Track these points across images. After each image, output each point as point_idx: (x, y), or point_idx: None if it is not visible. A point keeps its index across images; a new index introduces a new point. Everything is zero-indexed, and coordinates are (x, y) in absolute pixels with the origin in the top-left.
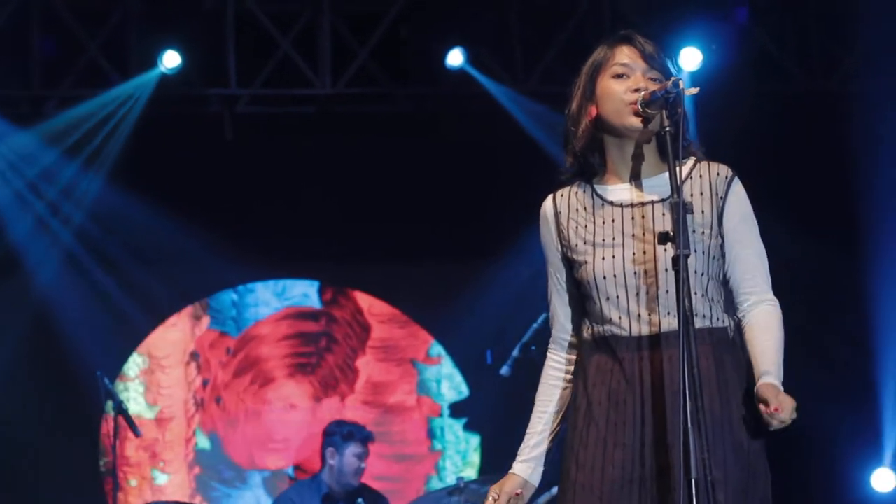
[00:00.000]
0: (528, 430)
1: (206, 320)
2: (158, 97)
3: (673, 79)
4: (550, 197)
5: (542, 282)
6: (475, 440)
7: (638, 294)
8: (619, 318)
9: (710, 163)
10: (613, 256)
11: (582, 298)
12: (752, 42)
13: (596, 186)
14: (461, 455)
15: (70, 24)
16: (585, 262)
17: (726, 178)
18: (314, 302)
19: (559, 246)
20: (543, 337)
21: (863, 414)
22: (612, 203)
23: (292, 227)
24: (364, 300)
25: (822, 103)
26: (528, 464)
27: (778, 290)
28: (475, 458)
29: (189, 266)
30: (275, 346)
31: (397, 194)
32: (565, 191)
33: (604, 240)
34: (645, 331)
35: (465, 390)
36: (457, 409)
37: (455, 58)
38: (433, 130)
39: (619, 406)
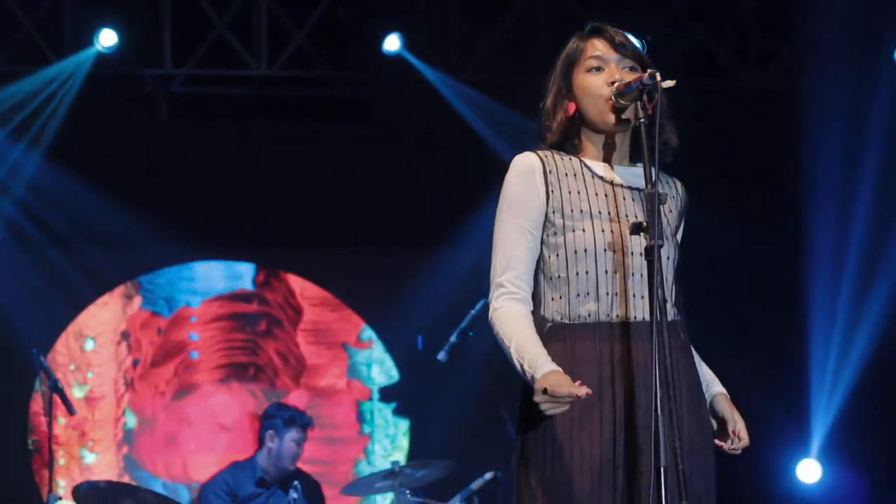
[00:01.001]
0: (523, 342)
1: (137, 300)
2: (95, 76)
3: (649, 70)
4: (533, 154)
5: (480, 269)
6: (404, 424)
7: (616, 272)
8: (596, 295)
9: (673, 178)
10: (602, 230)
11: (548, 268)
12: (688, 35)
13: (583, 159)
14: (390, 439)
15: (6, 1)
16: (575, 230)
17: (685, 196)
18: (247, 284)
19: (545, 203)
20: (482, 323)
21: (793, 405)
22: (603, 178)
23: (227, 209)
24: (296, 283)
25: (759, 98)
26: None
27: (715, 281)
28: (404, 443)
29: (124, 245)
30: (205, 328)
31: (333, 179)
32: (547, 153)
33: (599, 212)
34: (618, 313)
35: (395, 375)
36: (387, 394)
37: (392, 43)
38: (369, 115)
39: (608, 389)
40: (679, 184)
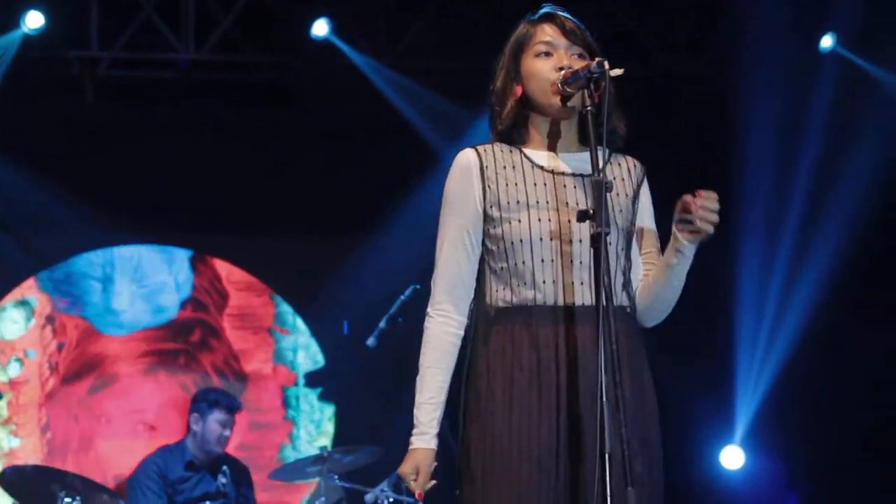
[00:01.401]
0: (424, 399)
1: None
2: (21, 58)
3: (597, 59)
4: (472, 150)
5: (409, 255)
6: (330, 410)
7: (554, 261)
8: (534, 283)
9: (626, 156)
10: (539, 220)
11: (492, 259)
12: (613, 21)
13: (524, 150)
14: (315, 424)
15: None
16: (511, 222)
17: (642, 170)
18: (176, 269)
19: (482, 199)
20: (411, 309)
21: (718, 393)
22: (542, 168)
23: (152, 193)
24: (223, 267)
25: (687, 85)
26: (433, 434)
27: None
28: (329, 428)
29: (49, 227)
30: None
31: (260, 164)
32: (487, 147)
33: (537, 201)
34: (560, 300)
35: (321, 360)
36: (312, 379)
37: (320, 28)
38: (296, 100)
39: (546, 374)
40: (631, 161)
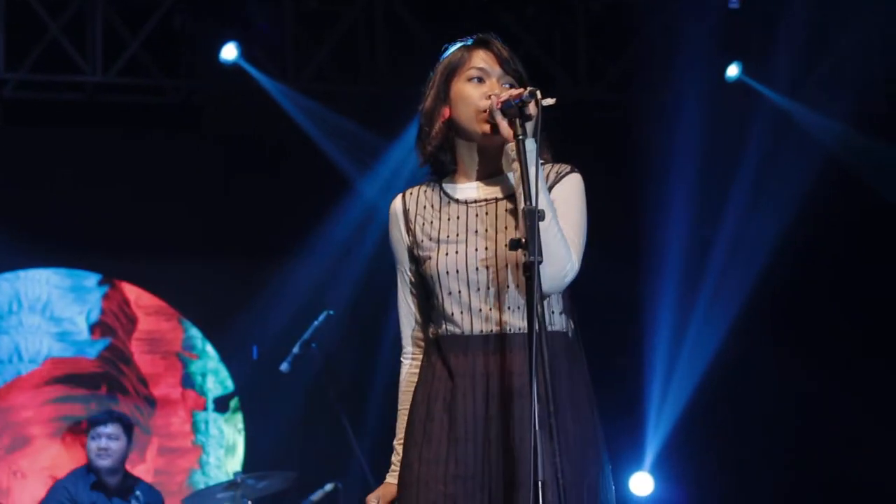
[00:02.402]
0: (395, 441)
1: None
2: None
3: (529, 88)
4: (400, 196)
5: (322, 280)
6: (239, 436)
7: (479, 290)
8: (461, 314)
9: (555, 164)
10: (457, 252)
11: (427, 296)
12: (519, 47)
13: (444, 185)
14: (225, 450)
15: None
16: (429, 258)
17: (560, 172)
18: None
19: (407, 243)
20: (324, 335)
21: (628, 418)
22: (457, 200)
23: (60, 217)
24: (131, 291)
25: (590, 112)
26: None
27: (573, 292)
28: (239, 453)
29: None
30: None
31: (169, 188)
32: (415, 189)
33: (448, 236)
34: (488, 328)
35: (230, 385)
36: (221, 404)
37: (229, 52)
38: (205, 124)
39: (461, 402)
40: (560, 167)
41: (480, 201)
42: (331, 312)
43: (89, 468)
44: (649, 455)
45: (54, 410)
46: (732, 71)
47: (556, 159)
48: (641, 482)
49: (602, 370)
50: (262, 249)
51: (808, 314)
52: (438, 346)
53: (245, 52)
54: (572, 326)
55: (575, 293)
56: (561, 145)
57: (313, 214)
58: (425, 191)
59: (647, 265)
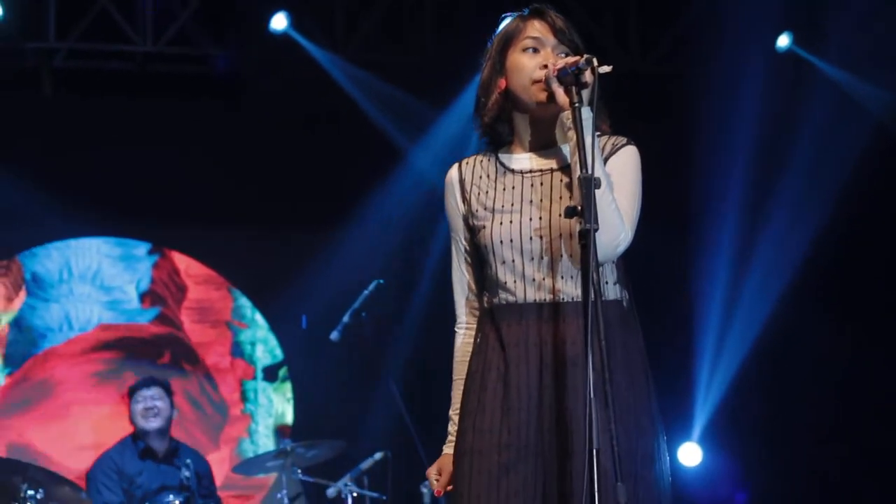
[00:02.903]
0: (451, 411)
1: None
2: None
3: (585, 56)
4: (456, 165)
5: (372, 250)
6: (288, 404)
7: (534, 259)
8: (515, 283)
9: (611, 136)
10: (511, 222)
11: (481, 266)
12: (568, 18)
13: (500, 155)
14: (274, 418)
15: None
16: (484, 227)
17: (616, 144)
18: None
19: (463, 211)
20: (373, 304)
21: (677, 389)
22: (513, 171)
23: (110, 186)
24: (181, 261)
25: (641, 84)
26: None
27: (626, 262)
28: (288, 422)
29: (7, 220)
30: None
31: (219, 157)
32: (471, 159)
33: (503, 205)
34: (542, 297)
35: (279, 354)
36: (270, 373)
37: (279, 22)
38: (256, 94)
39: (514, 371)
40: (616, 139)
41: (535, 171)
42: (381, 282)
43: (136, 436)
44: (698, 426)
45: (97, 378)
46: (783, 41)
47: (613, 131)
48: (690, 452)
49: (651, 341)
50: (312, 219)
51: (857, 286)
52: (492, 316)
53: (295, 21)
54: (627, 296)
55: (628, 264)
56: (612, 116)
57: (363, 184)
58: (481, 161)
59: (698, 236)
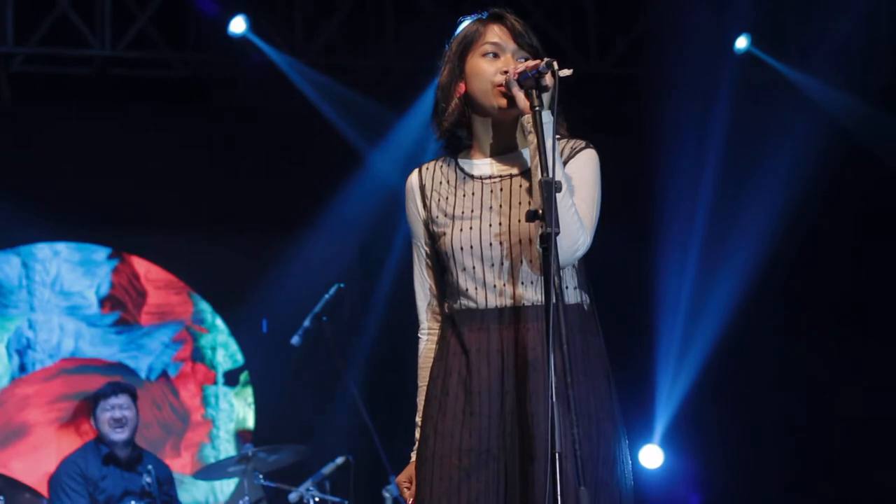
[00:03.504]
0: (416, 418)
1: None
2: None
3: (546, 59)
4: (416, 170)
5: (332, 254)
6: (249, 409)
7: (494, 265)
8: (476, 289)
9: (571, 139)
10: (471, 228)
11: (442, 272)
12: (529, 22)
13: (460, 160)
14: (235, 423)
15: None
16: (444, 234)
17: (574, 147)
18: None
19: (423, 217)
20: (334, 308)
21: (638, 393)
22: (473, 177)
23: (70, 191)
24: (141, 265)
25: (600, 86)
26: None
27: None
28: (249, 427)
29: None
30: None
31: (178, 161)
32: (431, 165)
33: (462, 212)
34: (503, 302)
35: (240, 359)
36: (231, 378)
37: (238, 25)
38: (215, 97)
39: (476, 376)
40: (575, 142)
41: (495, 177)
42: (341, 286)
43: (99, 441)
44: (659, 428)
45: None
46: (741, 43)
47: (572, 134)
48: (651, 455)
49: (612, 343)
50: (272, 223)
51: (818, 289)
52: (453, 321)
53: (254, 25)
54: (587, 300)
55: (590, 267)
56: (572, 119)
57: (323, 188)
58: (441, 166)
59: (660, 239)
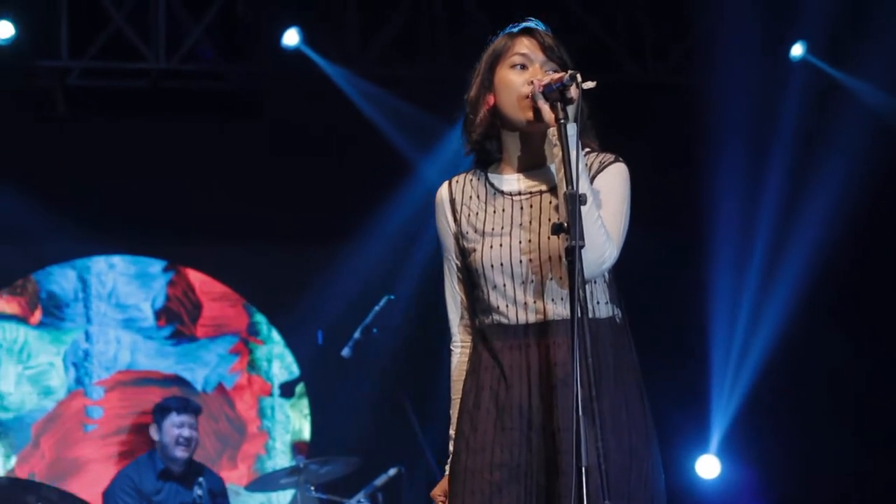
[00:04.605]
0: (450, 432)
1: (38, 313)
2: None
3: (570, 71)
4: (446, 183)
5: (383, 265)
6: (305, 420)
7: (524, 283)
8: (506, 306)
9: (600, 153)
10: (501, 245)
11: (472, 287)
12: (582, 29)
13: (490, 175)
14: (291, 435)
15: None
16: (474, 251)
17: (603, 162)
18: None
19: (454, 231)
20: (385, 320)
21: (693, 402)
22: (503, 192)
23: (124, 204)
24: (196, 278)
25: (653, 94)
26: None
27: (618, 279)
28: (305, 439)
29: (20, 240)
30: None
31: (233, 174)
32: (461, 177)
33: (493, 228)
34: (531, 318)
35: (295, 370)
36: (287, 389)
37: (291, 37)
38: (267, 110)
39: (506, 391)
40: (604, 156)
41: (525, 193)
42: (392, 297)
43: (156, 455)
44: (715, 437)
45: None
46: (797, 50)
47: (619, 141)
48: (708, 465)
49: (665, 353)
50: (326, 234)
51: (874, 296)
52: (484, 336)
53: (307, 37)
54: (619, 314)
55: (622, 282)
56: (623, 128)
57: (376, 198)
58: (471, 180)
59: (713, 246)
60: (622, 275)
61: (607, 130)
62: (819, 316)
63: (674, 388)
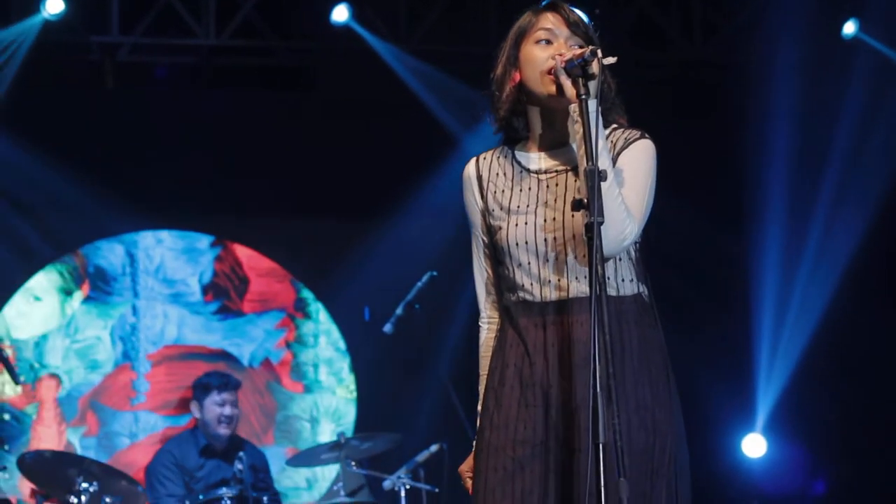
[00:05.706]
0: (480, 404)
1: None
2: (40, 43)
3: (590, 47)
4: (473, 160)
5: (425, 241)
6: (350, 396)
7: (548, 261)
8: (531, 284)
9: (627, 129)
10: (526, 223)
11: (498, 264)
12: (633, 5)
13: (517, 153)
14: (335, 411)
15: None
16: (500, 228)
17: (629, 138)
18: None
19: (481, 207)
20: (427, 295)
21: (738, 380)
22: (529, 171)
23: (172, 179)
24: (243, 253)
25: (703, 71)
26: None
27: (662, 261)
28: (350, 415)
29: (70, 214)
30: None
31: (281, 149)
32: (488, 154)
33: (518, 206)
34: (554, 296)
35: (342, 346)
36: (332, 365)
37: (340, 13)
38: (316, 86)
39: (530, 368)
40: (631, 132)
41: (550, 172)
42: (434, 273)
43: (198, 431)
44: (761, 416)
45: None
46: (849, 28)
47: (662, 119)
48: (754, 443)
49: (710, 332)
50: (372, 209)
51: None
52: (510, 313)
53: (356, 13)
54: (646, 292)
55: (648, 259)
56: (672, 105)
57: (423, 175)
58: (498, 157)
59: (756, 225)
60: (666, 256)
61: (652, 107)
62: (866, 293)
63: (718, 366)
